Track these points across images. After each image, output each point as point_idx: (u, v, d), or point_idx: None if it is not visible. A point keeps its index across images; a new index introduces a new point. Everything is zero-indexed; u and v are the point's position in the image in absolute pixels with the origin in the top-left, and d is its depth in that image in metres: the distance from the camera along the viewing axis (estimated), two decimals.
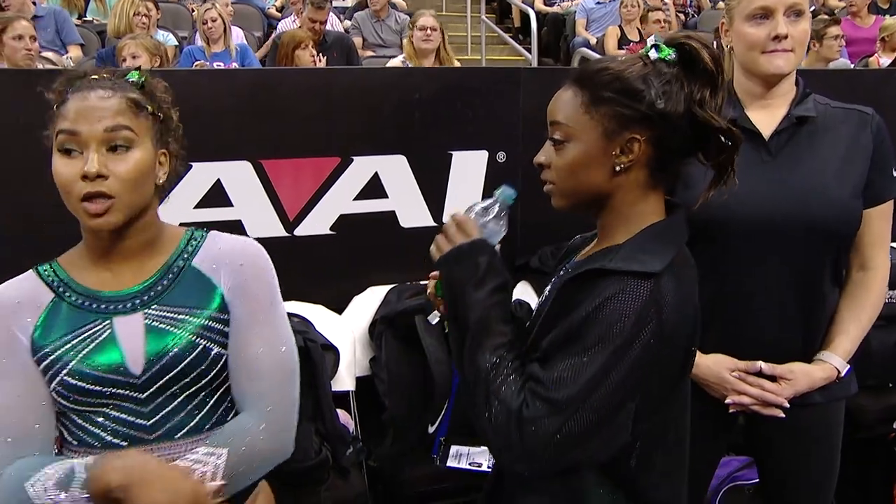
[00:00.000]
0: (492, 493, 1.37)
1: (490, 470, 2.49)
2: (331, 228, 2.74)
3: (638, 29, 6.54)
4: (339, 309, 2.75)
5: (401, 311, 2.61)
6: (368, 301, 2.75)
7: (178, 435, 1.28)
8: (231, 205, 2.62)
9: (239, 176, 2.61)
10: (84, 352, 1.22)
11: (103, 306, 1.25)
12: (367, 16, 6.26)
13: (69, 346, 1.22)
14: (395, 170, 2.77)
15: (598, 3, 7.13)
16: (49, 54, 4.77)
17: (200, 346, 1.27)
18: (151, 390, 1.25)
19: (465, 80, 2.87)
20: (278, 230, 2.69)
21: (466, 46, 7.90)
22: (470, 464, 2.45)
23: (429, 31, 4.56)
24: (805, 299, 1.61)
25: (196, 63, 4.59)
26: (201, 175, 2.57)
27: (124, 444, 1.24)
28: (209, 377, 1.30)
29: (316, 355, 2.40)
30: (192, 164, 2.55)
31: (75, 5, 6.11)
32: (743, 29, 1.58)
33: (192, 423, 1.29)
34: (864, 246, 1.65)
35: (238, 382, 1.33)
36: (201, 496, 1.15)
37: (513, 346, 1.16)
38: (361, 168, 2.73)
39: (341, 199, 2.72)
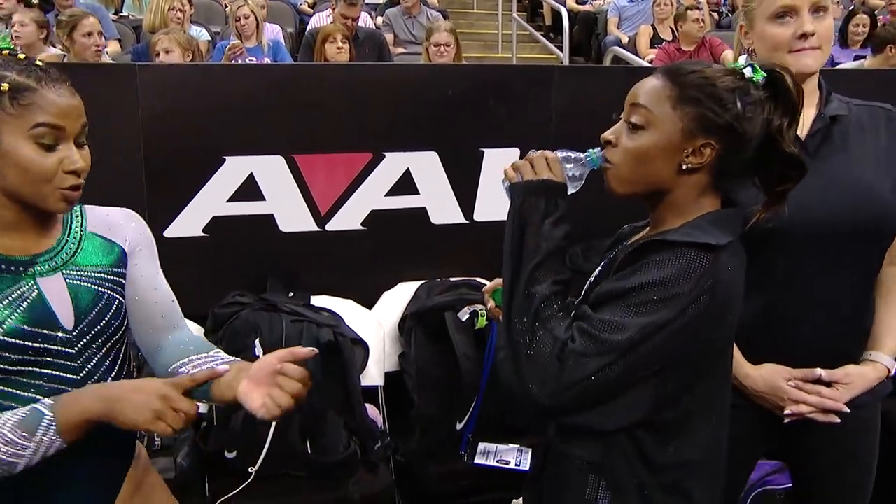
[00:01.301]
0: (536, 479, 1.39)
1: (518, 468, 2.50)
2: (362, 224, 2.75)
3: (671, 28, 6.47)
4: (370, 304, 2.76)
5: (431, 308, 2.62)
6: (398, 297, 2.76)
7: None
8: (263, 199, 2.64)
9: (272, 170, 2.63)
10: (18, 311, 1.26)
11: (22, 268, 1.30)
12: (398, 13, 6.27)
13: (1, 306, 1.25)
14: (427, 166, 2.77)
15: (631, 1, 7.06)
16: None
17: (116, 301, 1.39)
18: (81, 344, 1.33)
19: (498, 78, 2.86)
20: (310, 225, 2.70)
21: (497, 44, 7.89)
22: (497, 461, 2.44)
23: (443, 48, 4.55)
24: (857, 299, 1.58)
25: (230, 45, 4.60)
26: (234, 169, 2.60)
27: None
28: (123, 329, 1.42)
29: (345, 350, 2.42)
30: (226, 157, 2.58)
31: (112, 1, 6.20)
32: (767, 29, 1.54)
33: (110, 375, 1.38)
34: None
35: (153, 318, 1.48)
36: (168, 389, 1.24)
37: (568, 288, 1.22)
38: (393, 164, 2.74)
39: (373, 195, 2.74)
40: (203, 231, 2.60)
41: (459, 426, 2.47)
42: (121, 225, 1.47)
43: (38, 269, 1.31)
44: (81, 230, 1.40)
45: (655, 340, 1.10)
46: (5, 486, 1.25)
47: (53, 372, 1.30)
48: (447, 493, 2.45)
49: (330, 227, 2.73)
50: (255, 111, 2.60)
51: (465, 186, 2.82)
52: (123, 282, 1.43)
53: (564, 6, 7.19)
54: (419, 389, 2.56)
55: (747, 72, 1.17)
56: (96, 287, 1.36)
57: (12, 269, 1.29)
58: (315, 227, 2.71)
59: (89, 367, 1.34)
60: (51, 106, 1.23)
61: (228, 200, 2.62)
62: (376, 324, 2.67)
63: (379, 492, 2.31)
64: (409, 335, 2.63)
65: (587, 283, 1.38)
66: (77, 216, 1.42)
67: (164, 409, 1.20)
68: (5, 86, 1.20)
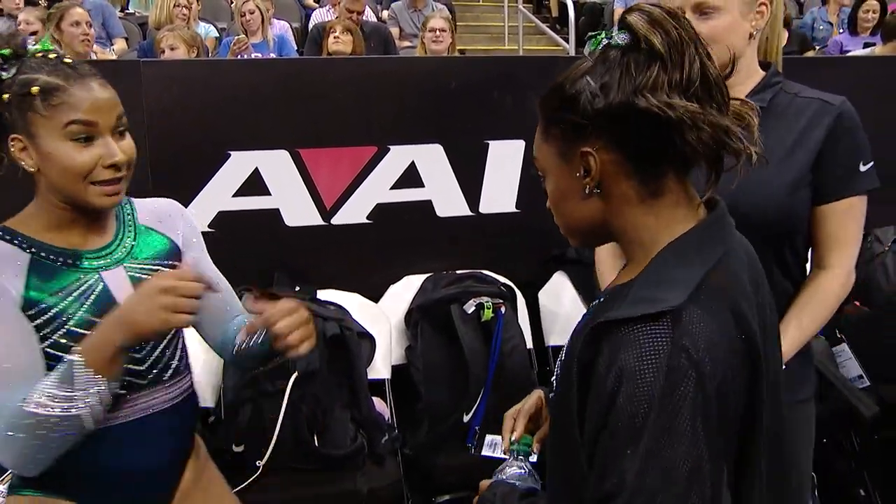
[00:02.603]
0: None
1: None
2: (367, 217, 2.75)
3: None
4: (376, 297, 2.76)
5: (437, 300, 2.62)
6: (404, 290, 2.76)
7: (165, 377, 1.41)
8: (269, 193, 2.65)
9: (277, 165, 2.64)
10: (86, 304, 1.30)
11: (86, 263, 1.34)
12: (404, 6, 6.26)
13: (70, 299, 1.29)
14: (432, 159, 2.77)
15: None
16: (95, 48, 4.86)
17: None
18: None
19: (503, 70, 2.85)
20: (315, 219, 2.71)
21: (503, 36, 7.86)
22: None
23: (438, 33, 4.56)
24: (779, 299, 1.48)
25: (235, 39, 4.61)
26: (240, 164, 2.60)
27: (122, 391, 1.32)
28: None
29: (352, 343, 2.42)
30: (231, 152, 2.58)
31: None
32: None
33: (173, 365, 1.43)
34: (818, 244, 1.56)
35: (218, 311, 1.54)
36: (167, 280, 1.23)
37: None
38: (398, 157, 2.73)
39: (378, 188, 2.73)
40: (209, 226, 2.61)
41: (467, 418, 2.47)
42: (171, 216, 1.51)
43: (102, 262, 1.36)
44: (134, 222, 1.45)
45: (678, 459, 0.82)
46: (71, 474, 1.30)
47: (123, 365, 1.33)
48: (455, 486, 2.45)
49: (335, 220, 2.73)
50: (259, 106, 2.60)
51: (470, 179, 2.81)
52: None
53: None
54: (426, 382, 2.56)
55: (606, 40, 0.96)
56: None
57: (77, 263, 1.33)
58: (320, 221, 2.72)
59: (152, 357, 1.39)
60: (80, 102, 1.25)
61: (234, 195, 2.62)
62: (383, 317, 2.67)
63: (386, 485, 2.31)
64: (415, 328, 2.63)
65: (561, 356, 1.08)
66: (128, 210, 1.46)
67: (173, 300, 1.20)
68: (35, 89, 1.23)
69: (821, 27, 6.64)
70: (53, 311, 1.28)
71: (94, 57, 4.15)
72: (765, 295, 1.00)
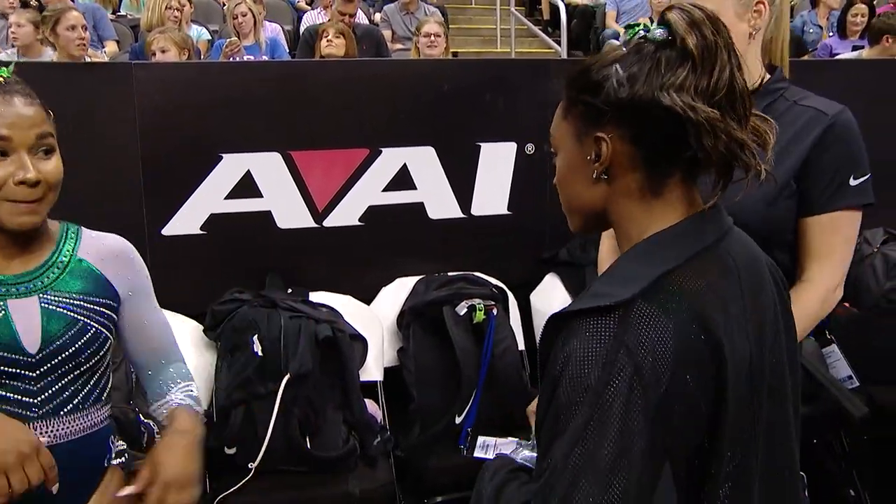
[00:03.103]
0: None
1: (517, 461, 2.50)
2: (359, 219, 2.75)
3: None
4: (368, 299, 2.77)
5: (429, 302, 2.62)
6: (397, 292, 2.77)
7: (63, 412, 1.37)
8: (261, 196, 2.65)
9: (269, 167, 2.64)
10: None
11: None
12: (396, 9, 6.26)
13: None
14: (424, 161, 2.77)
15: None
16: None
17: (92, 329, 1.38)
18: (43, 369, 1.33)
19: (494, 72, 2.87)
20: (308, 221, 2.71)
21: (496, 39, 7.87)
22: (497, 455, 2.45)
23: (433, 38, 4.57)
24: None
25: (227, 42, 4.60)
26: (231, 166, 2.60)
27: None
28: (97, 358, 1.40)
29: (344, 345, 2.43)
30: (223, 155, 2.58)
31: (110, 1, 6.20)
32: None
33: (75, 401, 1.38)
34: (800, 256, 1.51)
35: (141, 350, 1.53)
36: (31, 448, 1.21)
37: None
38: (390, 159, 2.74)
39: (370, 191, 2.74)
40: (201, 228, 2.61)
41: (459, 420, 2.48)
42: (117, 258, 1.47)
43: (13, 289, 1.32)
44: (71, 254, 1.41)
45: (605, 452, 0.82)
46: None
47: (12, 394, 1.31)
48: (447, 487, 2.45)
49: (328, 223, 2.73)
50: (251, 108, 2.60)
51: (462, 181, 2.82)
52: (110, 315, 1.43)
53: (562, 1, 7.18)
54: (418, 384, 2.56)
55: (641, 32, 0.96)
56: (72, 314, 1.36)
57: None
58: (313, 224, 2.72)
59: (49, 391, 1.35)
60: None
61: (226, 198, 2.62)
62: (375, 319, 2.67)
63: (379, 486, 2.31)
64: (407, 330, 2.63)
65: None
66: (72, 239, 1.44)
67: (16, 466, 1.18)
68: None
69: (811, 31, 6.67)
70: None
71: (87, 60, 4.13)
72: (766, 301, 1.00)
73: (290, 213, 2.69)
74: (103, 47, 5.35)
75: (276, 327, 2.37)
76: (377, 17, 6.48)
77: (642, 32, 0.95)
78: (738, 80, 0.92)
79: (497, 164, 2.82)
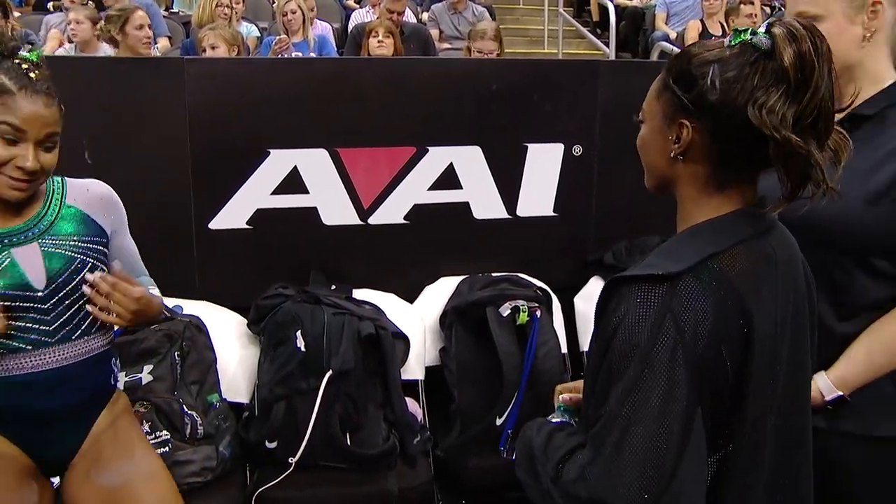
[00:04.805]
0: None
1: None
2: (404, 218, 2.75)
3: (721, 23, 6.34)
4: (411, 298, 2.76)
5: (472, 303, 2.60)
6: (440, 291, 2.76)
7: (73, 337, 1.63)
8: (307, 192, 2.66)
9: (315, 164, 2.65)
10: None
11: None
12: (444, 8, 6.26)
13: None
14: (470, 161, 2.76)
15: None
16: None
17: (89, 264, 1.63)
18: (52, 301, 1.59)
19: (543, 73, 2.84)
20: (353, 218, 2.71)
21: (543, 40, 7.83)
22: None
23: (485, 55, 4.54)
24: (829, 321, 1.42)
25: (277, 39, 4.65)
26: (279, 162, 2.62)
27: (28, 347, 1.57)
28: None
29: (386, 343, 2.42)
30: (270, 150, 2.60)
31: None
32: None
33: (83, 326, 1.64)
34: None
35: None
36: None
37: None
38: (436, 158, 2.73)
39: (416, 189, 2.73)
40: (247, 223, 2.63)
41: (499, 421, 2.46)
42: (101, 200, 1.72)
43: (15, 239, 1.57)
44: (61, 202, 1.66)
45: (651, 402, 0.94)
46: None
47: (30, 325, 1.57)
48: (486, 489, 2.44)
49: (373, 220, 2.73)
50: (299, 105, 2.62)
51: (508, 181, 2.80)
52: (102, 250, 1.68)
53: (612, 1, 7.11)
54: (459, 384, 2.55)
55: (747, 35, 1.01)
56: (69, 253, 1.61)
57: None
58: (358, 221, 2.72)
59: (61, 320, 1.61)
60: (19, 110, 1.46)
61: (272, 193, 2.64)
62: (417, 318, 2.67)
63: (417, 485, 2.31)
64: (449, 330, 2.62)
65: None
66: (58, 191, 1.67)
67: None
68: None
69: None
70: None
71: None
72: (798, 291, 1.10)
73: (336, 209, 2.70)
74: (156, 43, 5.44)
75: (320, 323, 2.38)
76: (425, 16, 6.49)
77: (750, 37, 1.00)
78: (825, 103, 0.97)
79: (544, 165, 2.80)
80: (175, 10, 6.45)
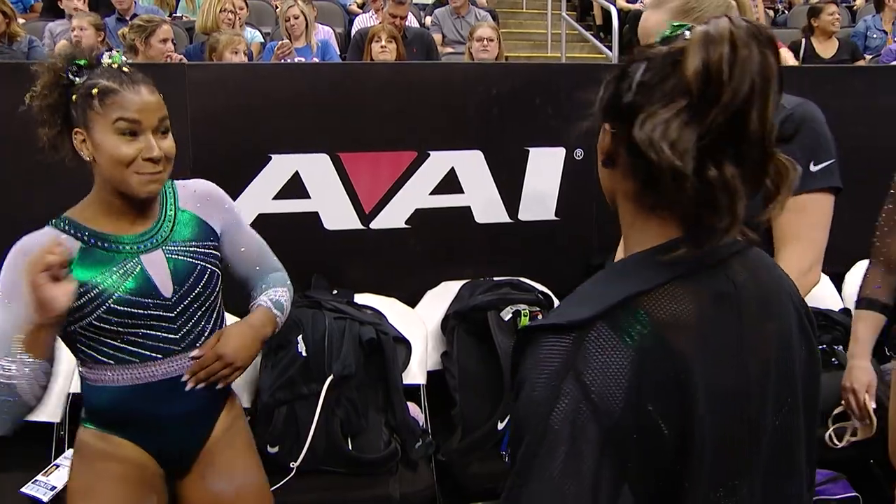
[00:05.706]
0: None
1: None
2: (406, 222, 2.75)
3: None
4: (413, 302, 2.76)
5: (473, 307, 2.60)
6: (441, 295, 2.75)
7: (198, 344, 1.64)
8: (309, 196, 2.66)
9: (317, 168, 2.65)
10: (124, 284, 1.54)
11: (128, 247, 1.57)
12: (447, 12, 6.27)
13: (110, 280, 1.52)
14: (472, 165, 2.76)
15: None
16: None
17: (209, 270, 1.65)
18: (179, 309, 1.60)
19: (545, 77, 2.84)
20: (354, 223, 2.71)
21: (546, 44, 7.83)
22: None
23: (486, 42, 4.55)
24: None
25: (279, 44, 4.66)
26: (280, 167, 2.62)
27: (159, 356, 1.58)
28: (216, 293, 1.69)
29: (387, 347, 2.42)
30: (272, 155, 2.60)
31: (167, 3, 6.32)
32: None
33: (206, 332, 1.66)
34: (774, 241, 1.55)
35: (242, 268, 1.79)
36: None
37: None
38: (438, 163, 2.73)
39: (417, 194, 2.73)
40: None
41: (501, 426, 2.45)
42: (209, 200, 1.72)
43: (142, 246, 1.58)
44: (175, 207, 1.67)
45: (550, 472, 0.78)
46: (122, 419, 1.60)
47: (156, 332, 1.57)
48: (488, 493, 2.43)
49: (374, 225, 2.73)
50: (300, 110, 2.62)
51: (510, 186, 2.80)
52: (216, 253, 1.69)
53: (614, 5, 7.10)
54: (461, 389, 2.54)
55: (677, 34, 0.83)
56: (191, 259, 1.62)
57: (120, 248, 1.56)
58: (359, 226, 2.72)
59: (187, 327, 1.62)
60: (129, 104, 1.48)
61: (274, 198, 2.64)
62: (419, 322, 2.66)
63: (419, 490, 2.30)
64: (451, 334, 2.62)
65: None
66: (170, 194, 1.68)
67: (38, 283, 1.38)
68: (95, 90, 1.47)
69: (874, 35, 6.50)
70: (97, 290, 1.51)
71: None
72: (774, 328, 0.91)
73: (338, 214, 2.70)
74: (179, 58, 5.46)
75: (321, 328, 2.38)
76: (427, 20, 6.49)
77: (678, 32, 0.83)
78: (751, 124, 0.78)
79: (546, 169, 2.80)
80: (178, 14, 6.47)
